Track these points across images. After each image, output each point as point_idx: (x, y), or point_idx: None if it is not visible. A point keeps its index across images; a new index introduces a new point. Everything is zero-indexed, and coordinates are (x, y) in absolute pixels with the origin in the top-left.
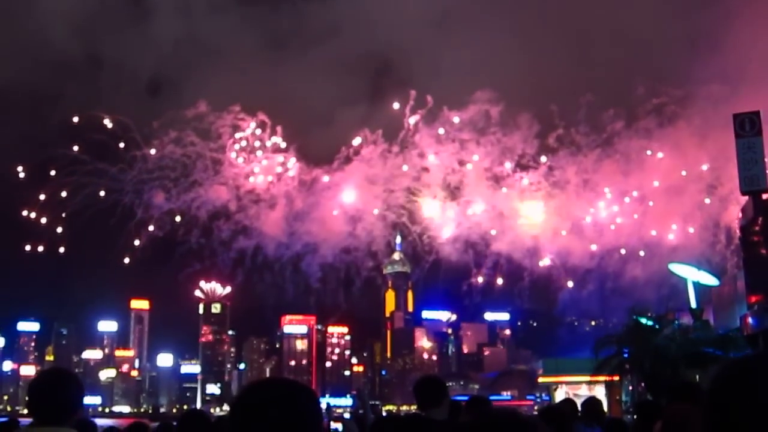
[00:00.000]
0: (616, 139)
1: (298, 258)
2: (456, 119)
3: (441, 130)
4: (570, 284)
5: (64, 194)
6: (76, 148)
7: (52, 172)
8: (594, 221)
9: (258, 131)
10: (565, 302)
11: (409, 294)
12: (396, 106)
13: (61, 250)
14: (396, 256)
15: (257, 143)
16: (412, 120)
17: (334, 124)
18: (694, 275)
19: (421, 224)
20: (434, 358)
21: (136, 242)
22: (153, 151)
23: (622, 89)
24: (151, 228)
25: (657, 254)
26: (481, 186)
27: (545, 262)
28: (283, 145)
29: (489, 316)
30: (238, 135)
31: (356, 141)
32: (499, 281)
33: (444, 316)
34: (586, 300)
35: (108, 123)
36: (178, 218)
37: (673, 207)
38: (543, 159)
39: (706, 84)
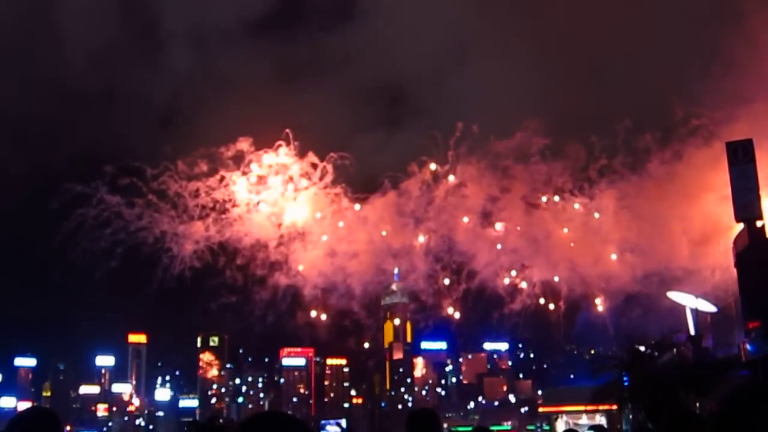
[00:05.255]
0: (655, 164)
1: (326, 291)
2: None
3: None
4: (600, 307)
5: (82, 227)
6: (98, 182)
7: (71, 206)
8: (632, 246)
9: (292, 163)
10: (582, 327)
11: (408, 325)
12: (410, 139)
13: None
14: (394, 286)
15: (302, 181)
16: (451, 149)
17: (362, 154)
18: (692, 303)
19: (457, 253)
20: (434, 388)
21: (170, 272)
22: (184, 186)
23: (658, 112)
24: (185, 259)
25: (695, 277)
26: (517, 213)
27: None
28: (320, 176)
29: (488, 345)
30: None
31: (395, 171)
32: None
33: (443, 346)
34: (605, 326)
35: (129, 159)
36: (211, 251)
37: (708, 228)
38: (582, 188)
39: (739, 105)
